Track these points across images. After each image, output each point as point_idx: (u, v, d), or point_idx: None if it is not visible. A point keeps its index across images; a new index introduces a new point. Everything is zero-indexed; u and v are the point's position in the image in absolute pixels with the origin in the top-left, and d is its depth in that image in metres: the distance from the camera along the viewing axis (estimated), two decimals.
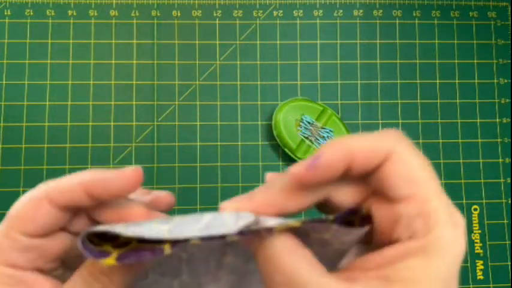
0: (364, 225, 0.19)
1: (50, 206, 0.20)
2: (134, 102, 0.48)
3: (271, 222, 0.18)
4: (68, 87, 0.48)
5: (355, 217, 0.20)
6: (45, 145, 0.47)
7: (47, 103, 0.47)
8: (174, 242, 0.17)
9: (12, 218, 0.20)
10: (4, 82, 0.47)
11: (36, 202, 0.20)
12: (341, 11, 0.51)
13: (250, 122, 0.48)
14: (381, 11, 0.51)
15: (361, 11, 0.51)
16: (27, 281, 0.20)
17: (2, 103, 0.47)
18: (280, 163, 0.48)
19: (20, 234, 0.20)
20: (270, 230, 0.18)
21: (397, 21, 0.51)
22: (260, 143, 0.48)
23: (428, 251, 0.17)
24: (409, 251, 0.17)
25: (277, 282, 0.17)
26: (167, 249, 0.17)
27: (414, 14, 0.51)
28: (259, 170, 0.48)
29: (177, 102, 0.48)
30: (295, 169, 0.18)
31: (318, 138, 0.47)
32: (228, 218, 0.18)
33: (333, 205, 0.20)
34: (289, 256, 0.18)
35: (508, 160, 0.50)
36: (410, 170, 0.18)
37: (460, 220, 0.18)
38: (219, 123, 0.48)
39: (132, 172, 0.20)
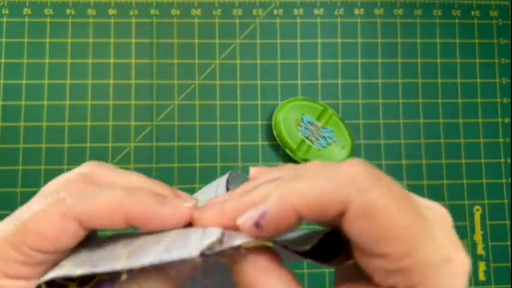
0: (344, 261, 0.17)
1: (78, 229, 0.18)
2: (133, 102, 0.48)
3: (240, 239, 0.16)
4: (66, 86, 0.47)
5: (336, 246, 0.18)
6: (43, 145, 0.46)
7: (45, 103, 0.47)
8: (130, 270, 0.16)
9: (29, 233, 0.17)
10: (2, 82, 0.47)
11: (63, 223, 0.17)
12: (342, 9, 0.50)
13: (250, 122, 0.48)
14: (382, 9, 0.51)
15: (362, 9, 0.50)
16: None
17: (0, 103, 0.47)
18: (281, 163, 0.48)
19: (34, 250, 0.17)
20: (237, 249, 0.16)
21: (398, 20, 0.50)
22: (260, 143, 0.48)
23: None
24: None
25: None
26: (124, 276, 0.17)
27: (415, 13, 0.51)
28: None
29: (176, 102, 0.48)
30: (243, 223, 0.17)
31: (319, 138, 0.47)
32: (193, 237, 0.17)
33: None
34: (265, 278, 0.16)
35: (509, 160, 0.49)
36: (373, 226, 0.15)
37: (460, 259, 0.16)
38: (218, 123, 0.48)
39: (190, 210, 0.18)
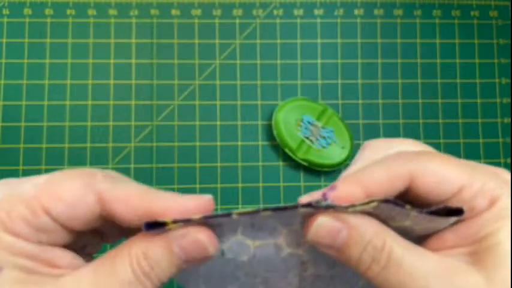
0: (452, 216, 0.18)
1: (96, 205, 0.18)
2: (133, 102, 0.48)
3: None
4: (66, 86, 0.47)
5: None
6: (44, 145, 0.46)
7: (45, 103, 0.47)
8: (242, 214, 0.17)
9: (48, 191, 0.17)
10: (2, 82, 0.47)
11: (84, 191, 0.17)
12: (342, 9, 0.50)
13: (250, 122, 0.48)
14: (381, 10, 0.51)
15: (362, 9, 0.50)
16: (37, 255, 0.17)
17: (0, 103, 0.47)
18: (281, 163, 0.48)
19: (44, 212, 0.17)
20: (345, 209, 0.17)
21: (398, 20, 0.50)
22: (260, 143, 0.48)
23: (504, 218, 0.17)
24: (484, 223, 0.17)
25: (366, 260, 0.17)
26: (235, 215, 0.17)
27: (415, 13, 0.51)
28: (259, 171, 0.47)
29: (176, 102, 0.48)
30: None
31: (319, 138, 0.47)
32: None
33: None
34: (379, 231, 0.17)
35: (509, 160, 0.49)
36: (439, 179, 0.18)
37: (506, 177, 0.19)
38: (218, 123, 0.48)
39: (209, 201, 0.18)
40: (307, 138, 0.46)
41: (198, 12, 0.49)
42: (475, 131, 0.50)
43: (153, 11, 0.49)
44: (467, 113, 0.50)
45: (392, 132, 0.49)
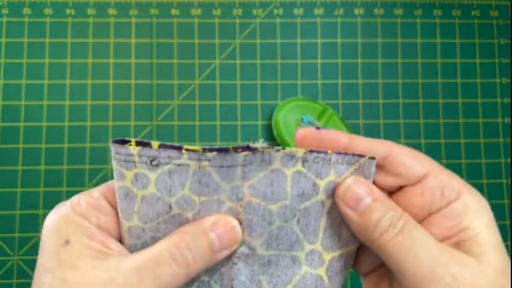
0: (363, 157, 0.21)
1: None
2: (133, 102, 0.48)
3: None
4: (65, 86, 0.47)
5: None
6: (43, 145, 0.46)
7: (45, 103, 0.47)
8: (191, 150, 0.19)
9: (103, 187, 0.21)
10: (2, 81, 0.47)
11: None
12: (342, 9, 0.50)
13: (250, 122, 0.48)
14: (382, 9, 0.50)
15: (362, 9, 0.50)
16: (96, 235, 0.20)
17: (0, 103, 0.47)
18: None
19: (103, 197, 0.21)
20: (275, 151, 0.20)
21: (398, 20, 0.50)
22: None
23: (474, 212, 0.20)
24: (459, 215, 0.20)
25: (384, 224, 0.20)
26: (184, 150, 0.19)
27: (416, 13, 0.51)
28: None
29: (176, 102, 0.48)
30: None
31: None
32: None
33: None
34: (396, 205, 0.21)
35: (510, 160, 0.49)
36: (410, 158, 0.21)
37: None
38: (218, 123, 0.48)
39: None
40: None
41: (198, 11, 0.49)
42: (476, 131, 0.49)
43: (152, 11, 0.49)
44: (467, 113, 0.50)
45: (392, 131, 0.49)
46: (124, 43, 0.48)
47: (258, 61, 0.49)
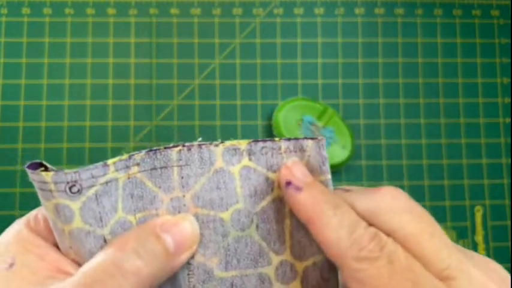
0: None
1: None
2: (132, 102, 0.48)
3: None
4: (65, 86, 0.47)
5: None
6: (42, 145, 0.46)
7: (44, 102, 0.47)
8: (117, 161, 0.17)
9: None
10: (0, 81, 0.47)
11: None
12: (342, 9, 0.50)
13: (250, 122, 0.48)
14: (382, 9, 0.50)
15: (362, 9, 0.50)
16: (47, 255, 0.18)
17: None
18: None
19: None
20: (214, 146, 0.17)
21: (398, 20, 0.50)
22: None
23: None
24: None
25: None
26: (110, 163, 0.17)
27: (416, 12, 0.50)
28: None
29: (175, 102, 0.48)
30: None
31: None
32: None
33: None
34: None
35: (510, 160, 0.49)
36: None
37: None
38: (218, 123, 0.48)
39: None
40: None
41: (198, 11, 0.49)
42: (476, 131, 0.49)
43: (152, 10, 0.49)
44: (468, 113, 0.50)
45: (392, 132, 0.49)
46: (123, 43, 0.48)
47: (258, 61, 0.49)
